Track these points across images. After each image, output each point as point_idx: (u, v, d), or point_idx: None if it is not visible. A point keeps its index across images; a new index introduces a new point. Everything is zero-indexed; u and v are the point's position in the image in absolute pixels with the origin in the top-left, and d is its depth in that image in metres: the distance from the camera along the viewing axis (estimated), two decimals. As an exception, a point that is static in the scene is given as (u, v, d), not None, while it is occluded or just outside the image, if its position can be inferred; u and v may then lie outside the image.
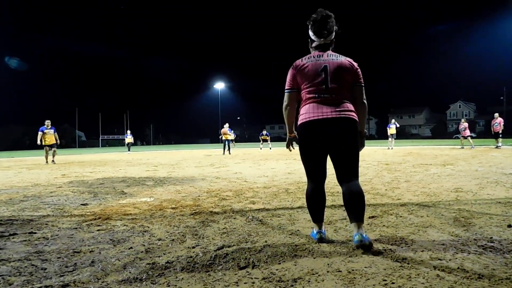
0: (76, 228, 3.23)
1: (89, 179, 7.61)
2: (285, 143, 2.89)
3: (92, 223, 3.41)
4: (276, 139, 79.64)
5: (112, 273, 2.12)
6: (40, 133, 13.67)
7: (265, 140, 25.60)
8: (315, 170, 2.65)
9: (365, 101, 2.63)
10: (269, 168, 9.39)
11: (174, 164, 11.75)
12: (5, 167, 12.60)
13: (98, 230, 3.16)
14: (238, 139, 22.69)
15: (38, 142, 13.73)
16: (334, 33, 2.65)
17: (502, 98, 69.31)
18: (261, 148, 25.66)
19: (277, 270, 2.11)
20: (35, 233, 3.09)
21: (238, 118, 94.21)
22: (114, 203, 4.53)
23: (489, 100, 77.10)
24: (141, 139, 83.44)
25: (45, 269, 2.22)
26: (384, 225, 3.10)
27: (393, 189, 5.10)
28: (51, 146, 13.73)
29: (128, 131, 27.40)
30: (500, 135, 18.65)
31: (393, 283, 1.88)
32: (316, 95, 2.55)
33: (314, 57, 2.61)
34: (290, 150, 2.85)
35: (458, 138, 21.43)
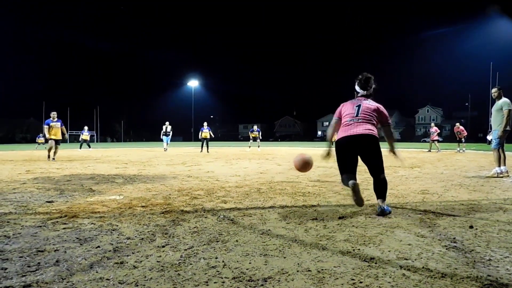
0: (40, 226, 3.12)
1: (56, 175, 7.36)
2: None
3: (57, 221, 3.30)
4: (249, 138, 79.52)
5: (77, 272, 2.06)
6: (45, 126, 12.52)
7: (254, 138, 23.05)
8: (346, 168, 3.70)
9: (393, 137, 3.92)
10: (241, 167, 9.39)
11: (144, 162, 11.54)
12: (-35, 161, 12.00)
13: (64, 228, 3.06)
14: (212, 138, 21.19)
15: (47, 136, 12.46)
16: (373, 88, 3.89)
17: (467, 104, 72.28)
18: (249, 147, 23.64)
19: (247, 269, 2.11)
20: (-4, 231, 2.96)
21: (212, 116, 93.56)
22: (82, 200, 4.40)
23: (455, 106, 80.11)
24: (111, 136, 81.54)
25: (6, 269, 2.12)
26: (353, 225, 3.17)
27: (362, 191, 5.17)
28: (57, 141, 12.52)
29: (86, 127, 25.14)
30: (463, 141, 19.81)
31: (361, 282, 1.92)
32: (349, 120, 3.73)
33: (356, 99, 3.89)
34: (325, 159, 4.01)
35: (426, 141, 22.32)
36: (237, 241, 2.70)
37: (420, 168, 9.13)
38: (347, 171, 3.67)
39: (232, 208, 3.93)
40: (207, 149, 18.75)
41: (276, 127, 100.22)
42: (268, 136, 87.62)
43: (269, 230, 3.02)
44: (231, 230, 3.00)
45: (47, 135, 12.57)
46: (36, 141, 31.37)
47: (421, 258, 2.31)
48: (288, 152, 19.61)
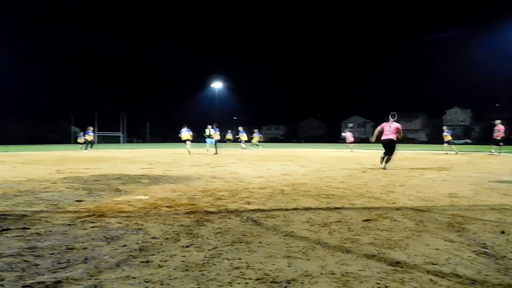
0: (70, 225, 3.22)
1: (84, 175, 7.57)
2: None
3: (86, 220, 3.39)
4: (272, 140, 79.49)
5: (105, 270, 2.11)
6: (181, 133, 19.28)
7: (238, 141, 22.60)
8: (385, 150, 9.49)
9: (402, 134, 9.47)
10: (265, 169, 9.39)
11: (170, 163, 11.72)
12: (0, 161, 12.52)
13: (92, 227, 3.15)
14: (232, 140, 21.98)
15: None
16: (396, 117, 9.51)
17: (498, 105, 69.85)
18: (245, 148, 23.69)
19: (270, 271, 2.11)
20: (28, 228, 3.07)
21: (235, 118, 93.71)
22: (109, 200, 4.51)
23: (485, 107, 77.40)
24: (138, 137, 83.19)
25: (38, 265, 2.20)
26: (378, 229, 3.11)
27: (388, 193, 5.12)
28: (185, 141, 19.04)
29: (91, 128, 24.93)
30: (501, 143, 17.94)
31: (386, 286, 1.89)
32: (387, 132, 9.40)
33: (388, 122, 9.52)
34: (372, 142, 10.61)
35: (452, 143, 21.47)
36: (260, 242, 2.70)
37: (448, 170, 8.89)
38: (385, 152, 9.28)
39: (255, 210, 3.94)
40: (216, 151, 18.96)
41: (300, 128, 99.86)
42: (292, 137, 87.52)
43: (292, 232, 3.01)
44: (255, 232, 3.01)
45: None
46: (77, 141, 30.03)
47: (450, 263, 2.25)
48: (313, 154, 19.48)
